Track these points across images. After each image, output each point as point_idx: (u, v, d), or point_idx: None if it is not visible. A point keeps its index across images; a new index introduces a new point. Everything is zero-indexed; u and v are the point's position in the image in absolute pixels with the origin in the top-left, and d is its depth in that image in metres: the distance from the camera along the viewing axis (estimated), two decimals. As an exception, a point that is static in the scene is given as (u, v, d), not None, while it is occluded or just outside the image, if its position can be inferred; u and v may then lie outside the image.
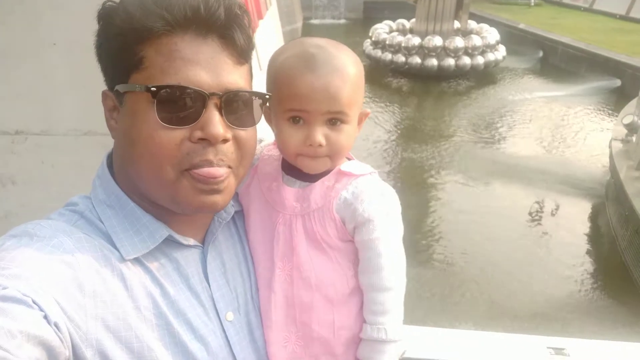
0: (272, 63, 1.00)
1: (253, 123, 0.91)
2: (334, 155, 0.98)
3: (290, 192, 1.00)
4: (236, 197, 1.04)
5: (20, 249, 0.76)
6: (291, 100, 0.94)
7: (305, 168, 0.99)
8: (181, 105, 0.82)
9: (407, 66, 12.32)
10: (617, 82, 11.71)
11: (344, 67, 0.95)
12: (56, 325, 0.70)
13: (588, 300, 5.13)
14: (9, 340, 0.63)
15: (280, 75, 0.96)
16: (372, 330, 0.97)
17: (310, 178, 1.01)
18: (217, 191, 0.88)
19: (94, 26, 0.88)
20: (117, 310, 0.80)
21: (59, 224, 0.84)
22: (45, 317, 0.69)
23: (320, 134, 0.95)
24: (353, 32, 17.62)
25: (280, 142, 1.00)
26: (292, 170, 1.02)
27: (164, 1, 0.82)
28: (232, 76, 0.86)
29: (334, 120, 0.96)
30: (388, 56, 12.59)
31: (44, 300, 0.70)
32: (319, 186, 0.99)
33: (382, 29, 13.37)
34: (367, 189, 0.98)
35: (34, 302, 0.69)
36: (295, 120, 0.96)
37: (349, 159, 1.06)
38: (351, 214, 0.97)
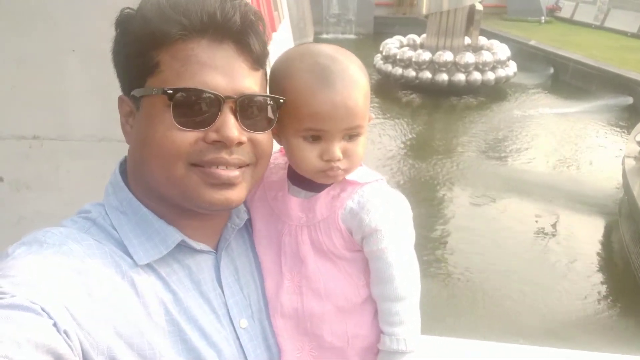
0: (279, 74, 0.95)
1: (268, 127, 0.91)
2: (350, 168, 0.96)
3: (296, 202, 0.98)
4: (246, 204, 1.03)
5: (29, 257, 0.76)
6: (308, 119, 0.90)
7: (321, 181, 0.97)
8: (197, 108, 0.82)
9: (417, 81, 12.34)
10: (629, 100, 11.65)
11: (358, 78, 0.92)
12: (66, 332, 0.69)
13: (602, 320, 5.03)
14: (16, 349, 0.61)
15: (293, 91, 0.91)
16: (390, 342, 0.95)
17: (315, 188, 0.98)
18: (230, 186, 0.86)
19: (112, 33, 0.89)
20: (128, 316, 0.79)
21: (69, 230, 0.84)
22: (55, 324, 0.68)
23: (338, 149, 0.92)
24: (364, 47, 17.72)
25: (296, 160, 0.96)
26: (298, 179, 1.00)
27: (181, 7, 0.82)
28: (247, 81, 0.86)
29: (352, 134, 0.93)
30: (398, 71, 12.63)
31: (54, 308, 0.69)
32: (324, 196, 0.97)
33: (392, 44, 13.44)
34: (373, 198, 0.95)
35: (43, 310, 0.68)
36: (313, 138, 0.92)
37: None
38: (358, 224, 0.94)
